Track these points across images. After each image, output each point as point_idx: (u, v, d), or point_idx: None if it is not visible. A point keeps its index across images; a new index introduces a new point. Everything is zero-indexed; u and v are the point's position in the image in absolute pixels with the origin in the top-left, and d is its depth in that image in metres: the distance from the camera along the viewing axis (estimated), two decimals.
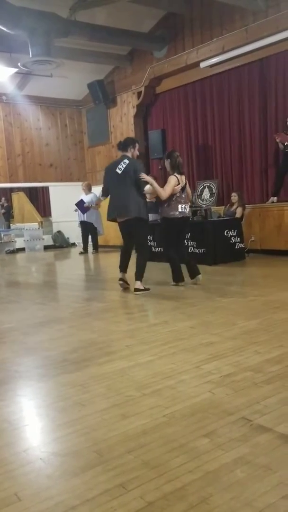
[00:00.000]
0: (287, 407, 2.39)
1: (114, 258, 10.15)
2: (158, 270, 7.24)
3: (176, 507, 1.66)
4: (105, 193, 6.01)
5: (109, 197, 5.94)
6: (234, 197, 8.71)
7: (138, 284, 5.81)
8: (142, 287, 5.79)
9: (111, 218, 5.98)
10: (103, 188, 6.05)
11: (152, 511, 1.65)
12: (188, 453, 2.01)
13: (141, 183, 5.67)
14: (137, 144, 5.96)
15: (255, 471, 1.85)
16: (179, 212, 5.89)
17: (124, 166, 5.68)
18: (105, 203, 12.27)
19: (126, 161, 5.72)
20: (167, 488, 1.77)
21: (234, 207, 8.60)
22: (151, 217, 9.92)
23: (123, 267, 6.12)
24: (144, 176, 5.66)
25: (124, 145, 5.89)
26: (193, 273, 6.06)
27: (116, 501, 1.71)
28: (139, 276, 5.84)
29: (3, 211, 15.64)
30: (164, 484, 1.80)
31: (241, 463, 1.91)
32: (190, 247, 8.11)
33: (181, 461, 1.94)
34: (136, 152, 5.94)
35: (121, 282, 6.04)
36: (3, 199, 16.35)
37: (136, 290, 5.78)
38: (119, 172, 5.69)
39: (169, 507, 1.67)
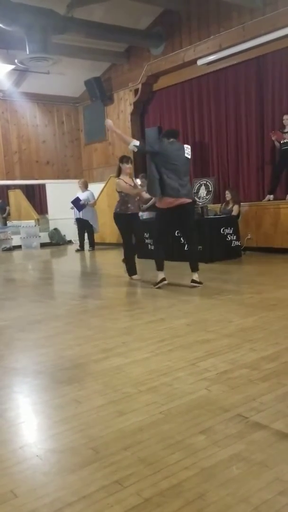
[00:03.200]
0: (282, 404, 2.40)
1: (111, 255, 10.16)
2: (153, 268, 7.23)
3: (172, 503, 1.67)
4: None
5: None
6: (228, 194, 8.73)
7: (196, 276, 5.77)
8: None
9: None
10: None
11: (148, 507, 1.66)
12: (184, 449, 2.01)
13: None
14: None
15: (251, 467, 1.86)
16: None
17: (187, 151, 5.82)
18: (101, 202, 12.30)
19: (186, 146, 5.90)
20: (163, 485, 1.77)
21: (230, 205, 8.61)
22: (146, 214, 9.99)
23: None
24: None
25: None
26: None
27: (112, 498, 1.72)
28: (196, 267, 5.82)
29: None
30: (160, 480, 1.80)
31: (237, 459, 1.92)
32: (186, 245, 8.11)
33: (177, 458, 1.95)
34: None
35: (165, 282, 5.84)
36: None
37: (194, 281, 5.72)
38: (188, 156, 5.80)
39: (165, 503, 1.67)
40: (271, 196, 8.61)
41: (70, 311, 4.91)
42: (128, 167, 6.50)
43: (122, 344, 3.59)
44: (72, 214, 11.50)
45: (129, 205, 6.44)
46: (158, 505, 1.66)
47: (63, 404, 2.57)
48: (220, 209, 8.86)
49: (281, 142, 8.34)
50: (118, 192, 6.52)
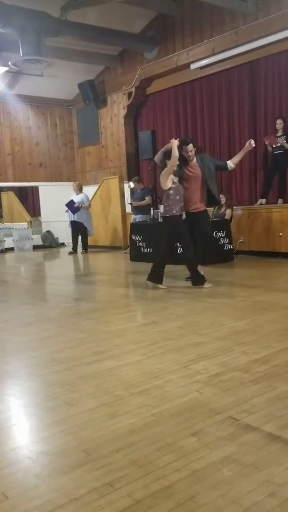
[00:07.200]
0: (273, 407, 2.41)
1: (104, 258, 10.16)
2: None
3: (163, 505, 1.68)
4: None
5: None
6: (222, 198, 8.75)
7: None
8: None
9: None
10: None
11: (139, 509, 1.66)
12: (175, 452, 2.02)
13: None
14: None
15: (242, 469, 1.87)
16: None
17: None
18: (94, 205, 12.28)
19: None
20: (155, 487, 1.78)
21: (223, 208, 8.65)
22: (140, 217, 9.97)
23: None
24: None
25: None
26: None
27: (103, 500, 1.72)
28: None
29: None
30: (151, 482, 1.81)
31: (228, 461, 1.93)
32: (178, 248, 8.13)
33: (168, 460, 1.96)
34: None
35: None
36: None
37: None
38: None
39: (156, 505, 1.68)
40: (263, 200, 8.65)
41: (62, 314, 4.91)
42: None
43: (114, 347, 3.60)
44: (66, 216, 11.49)
45: (173, 207, 5.88)
46: (149, 507, 1.67)
47: (55, 406, 2.57)
48: (213, 212, 8.89)
49: (274, 146, 8.40)
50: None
